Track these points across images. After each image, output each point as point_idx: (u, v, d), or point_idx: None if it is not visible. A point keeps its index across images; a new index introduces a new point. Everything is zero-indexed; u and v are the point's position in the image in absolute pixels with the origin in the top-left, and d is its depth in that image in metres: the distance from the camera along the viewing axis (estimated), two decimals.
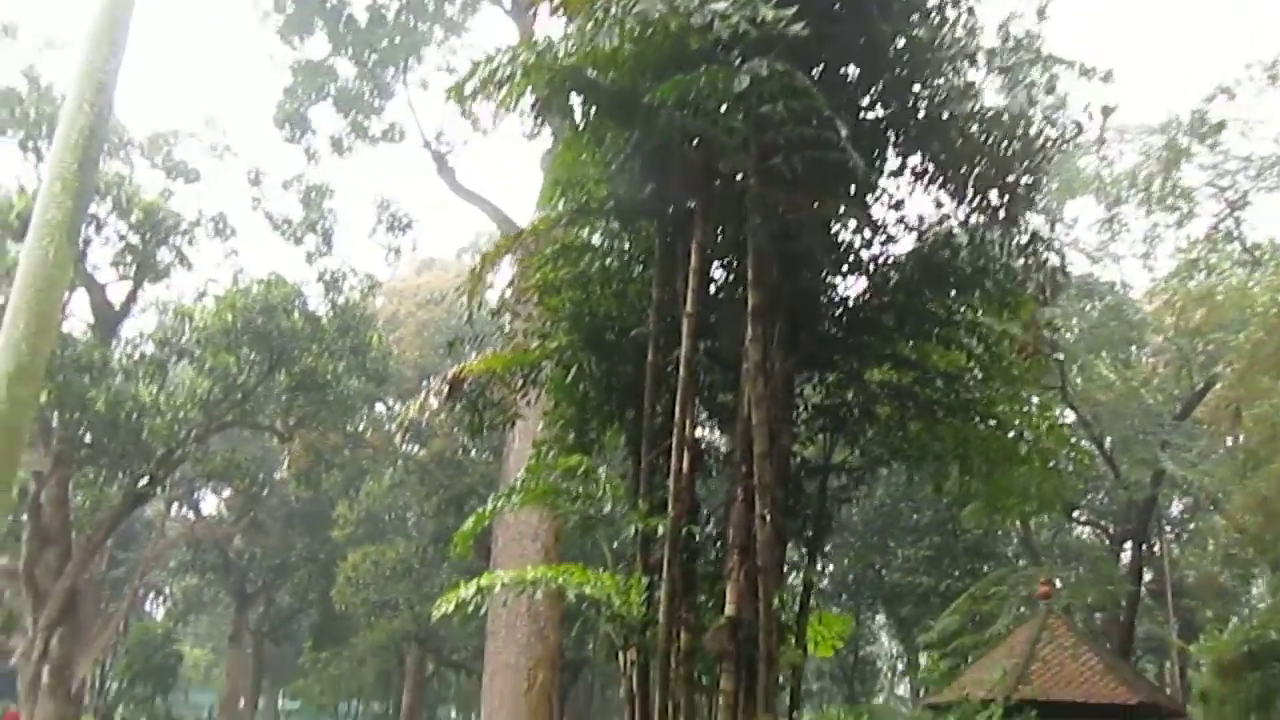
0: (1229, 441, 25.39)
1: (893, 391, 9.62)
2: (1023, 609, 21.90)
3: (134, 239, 23.14)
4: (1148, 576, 27.62)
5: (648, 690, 8.25)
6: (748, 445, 8.39)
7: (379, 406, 35.87)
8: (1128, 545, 29.65)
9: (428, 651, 38.70)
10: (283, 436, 27.66)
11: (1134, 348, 26.87)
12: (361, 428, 33.27)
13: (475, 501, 26.58)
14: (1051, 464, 9.33)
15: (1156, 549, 29.61)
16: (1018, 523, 28.78)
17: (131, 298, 24.97)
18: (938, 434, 9.49)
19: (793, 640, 8.52)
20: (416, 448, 32.80)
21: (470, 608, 8.82)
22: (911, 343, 9.57)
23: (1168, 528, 32.82)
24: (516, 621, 18.80)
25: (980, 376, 9.44)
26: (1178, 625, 28.86)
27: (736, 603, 7.95)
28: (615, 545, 9.21)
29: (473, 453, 30.63)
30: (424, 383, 23.79)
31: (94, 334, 23.71)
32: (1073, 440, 10.05)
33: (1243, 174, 23.49)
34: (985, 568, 28.05)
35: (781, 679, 8.36)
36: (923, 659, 37.66)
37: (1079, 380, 23.52)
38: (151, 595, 50.25)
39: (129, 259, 23.72)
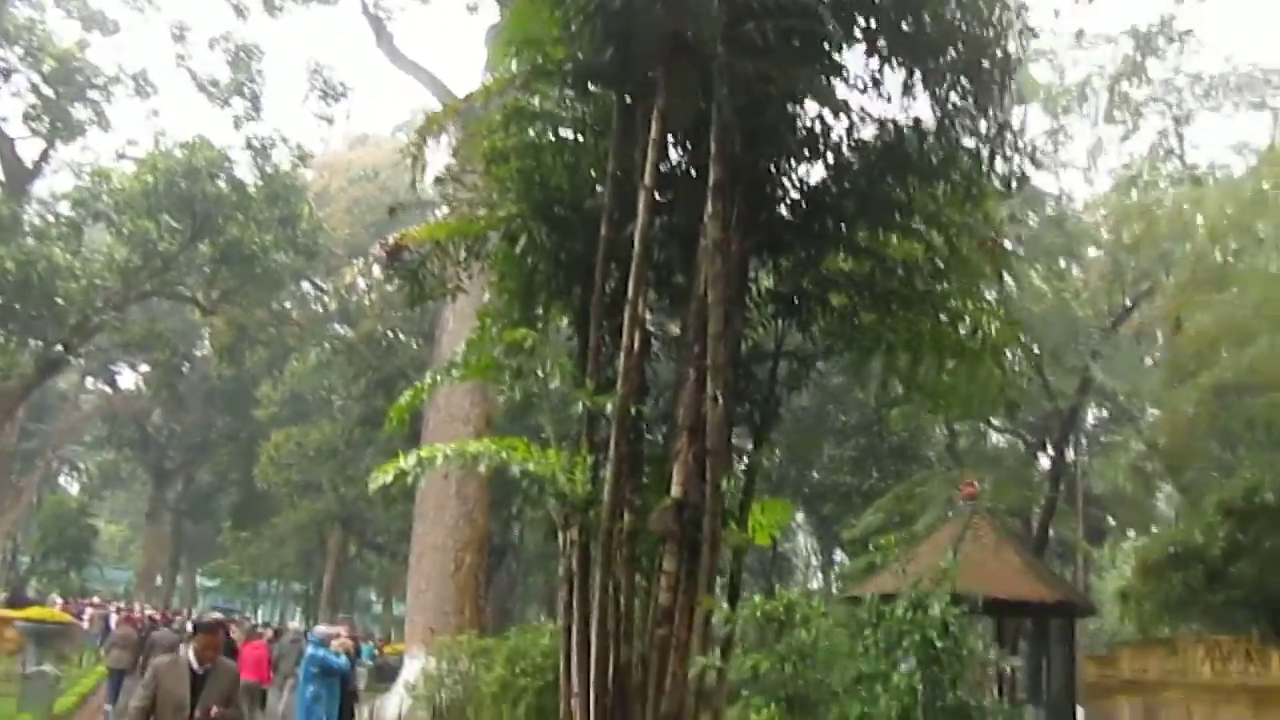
0: (1155, 356, 25.98)
1: (848, 280, 9.41)
2: (946, 510, 22.37)
3: (47, 91, 21.72)
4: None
5: (588, 570, 8.11)
6: (701, 326, 8.14)
7: (306, 285, 34.91)
8: (1041, 454, 30.47)
9: (350, 533, 38.56)
10: (205, 310, 26.71)
11: (1064, 261, 27.12)
12: (288, 305, 32.37)
13: (404, 384, 26.07)
14: (1002, 362, 9.25)
15: (1069, 458, 30.47)
16: (940, 428, 29.38)
17: (44, 156, 23.63)
18: (890, 325, 9.33)
19: (734, 525, 8.42)
20: (345, 328, 32.08)
21: (397, 489, 8.55)
22: (870, 231, 9.34)
23: (1081, 439, 33.77)
24: (445, 504, 18.65)
25: (937, 269, 9.26)
26: (1084, 532, 29.84)
27: (683, 484, 7.79)
28: (556, 426, 8.95)
29: (403, 335, 30.01)
30: (354, 261, 23.13)
31: (2, 191, 22.42)
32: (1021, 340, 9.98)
33: (1190, 90, 23.53)
34: (908, 470, 28.56)
35: (723, 564, 8.28)
36: (838, 556, 38.69)
37: (1014, 288, 23.68)
38: (65, 469, 49.16)
39: (41, 114, 22.32)
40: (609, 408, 7.85)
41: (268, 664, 15.75)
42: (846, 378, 26.57)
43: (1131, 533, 40.02)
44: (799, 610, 5.82)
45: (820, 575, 44.71)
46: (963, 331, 9.31)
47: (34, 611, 20.29)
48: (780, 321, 9.50)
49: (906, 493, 23.59)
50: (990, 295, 10.13)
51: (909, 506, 23.01)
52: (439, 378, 9.24)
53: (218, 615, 6.29)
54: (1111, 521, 36.77)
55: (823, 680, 5.81)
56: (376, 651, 24.02)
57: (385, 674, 21.83)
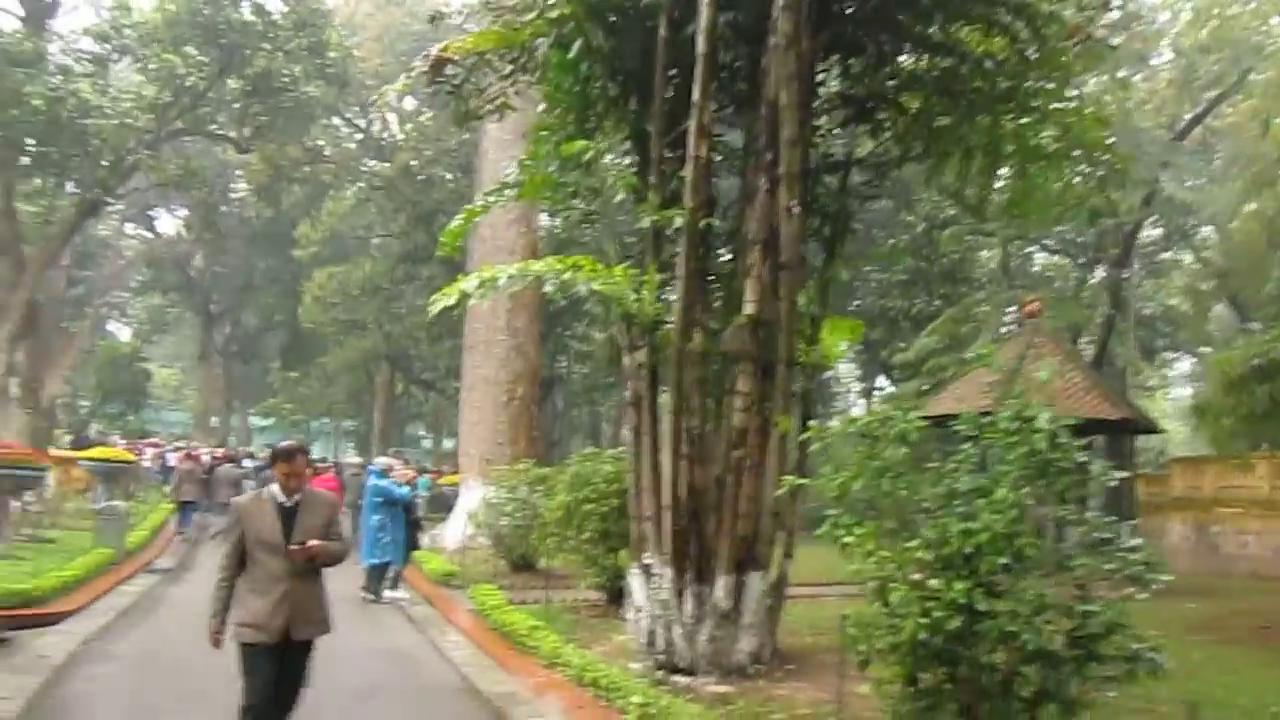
0: (1218, 168, 24.84)
1: (924, 80, 8.72)
2: (1003, 331, 21.92)
3: None
4: None
5: (656, 393, 7.86)
6: (771, 133, 7.60)
7: (339, 120, 34.09)
8: (1091, 274, 29.73)
9: (398, 371, 38.96)
10: (239, 147, 26.15)
11: (1128, 70, 25.66)
12: (322, 142, 31.68)
13: (443, 219, 25.68)
14: (1091, 163, 8.62)
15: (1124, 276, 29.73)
16: (992, 249, 28.62)
17: None
18: (969, 127, 8.70)
19: (807, 343, 8.08)
20: (381, 164, 31.43)
21: (444, 325, 8.20)
22: (949, 25, 8.58)
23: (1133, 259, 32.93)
24: (495, 338, 18.52)
25: (1021, 65, 8.54)
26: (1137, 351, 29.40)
27: (756, 301, 7.42)
28: (617, 246, 8.53)
29: (440, 170, 29.35)
30: (388, 88, 22.29)
31: (24, 26, 21.65)
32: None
33: None
34: (959, 293, 27.97)
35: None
36: (880, 382, 38.56)
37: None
38: (115, 315, 49.76)
39: None
40: (676, 222, 7.41)
41: (340, 494, 16.21)
42: (893, 200, 25.77)
43: (1177, 353, 39.56)
44: (896, 425, 5.50)
45: (862, 401, 44.76)
46: (1047, 133, 8.69)
47: (98, 452, 20.77)
48: (851, 127, 8.91)
49: (961, 315, 23.11)
50: (1081, 91, 9.38)
51: (964, 328, 22.58)
52: (492, 199, 8.79)
53: (295, 441, 5.53)
54: (1160, 342, 36.28)
55: (918, 497, 5.54)
56: (432, 483, 24.47)
57: (441, 504, 22.27)
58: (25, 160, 21.76)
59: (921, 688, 5.49)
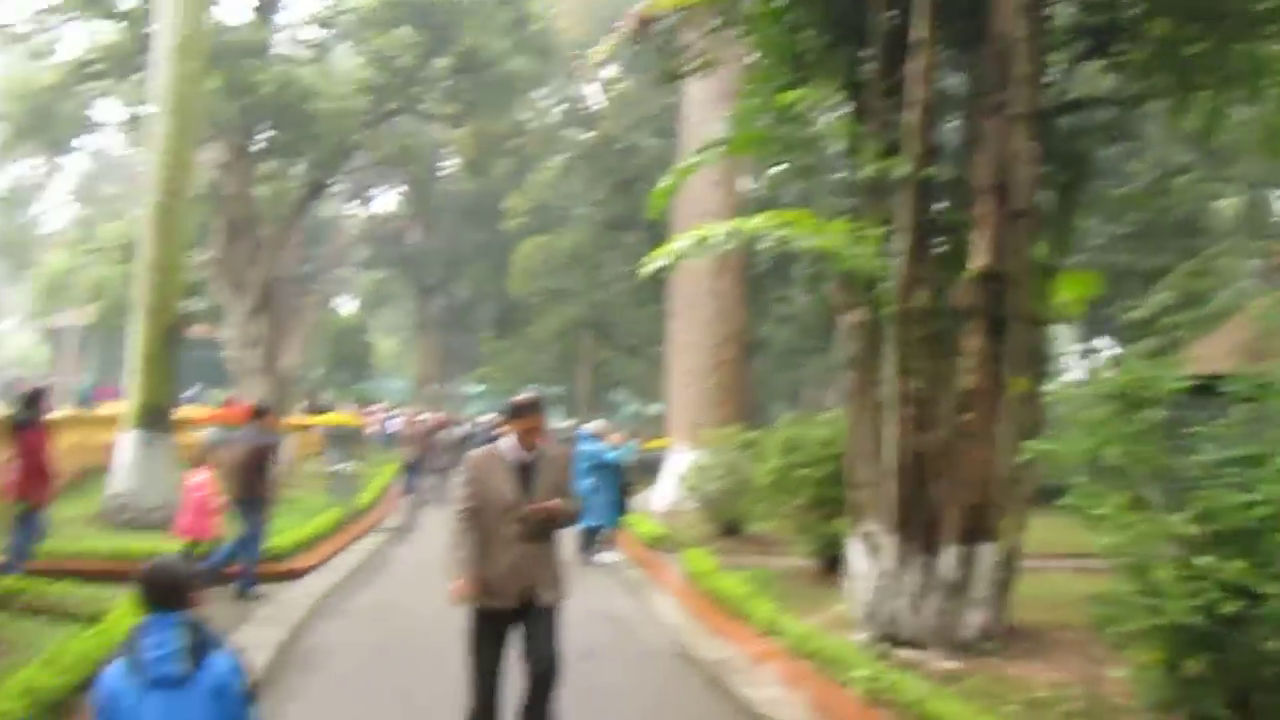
0: None
1: (1172, 4, 7.87)
2: (1249, 282, 20.02)
3: None
4: None
5: (877, 354, 7.48)
6: (1002, 71, 7.03)
7: (543, 92, 34.72)
8: None
9: (601, 337, 39.63)
10: (451, 123, 27.06)
11: None
12: (527, 115, 32.36)
13: (644, 185, 25.78)
14: None
15: None
16: (1231, 199, 26.20)
17: None
18: (1226, 54, 7.79)
19: (1043, 297, 7.49)
20: (583, 133, 31.85)
21: (648, 291, 8.03)
22: None
23: None
24: (699, 301, 18.41)
25: None
26: None
27: (988, 253, 6.92)
28: (832, 200, 8.17)
29: (640, 137, 29.45)
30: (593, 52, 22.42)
31: (256, 17, 23.05)
32: None
33: None
34: (1195, 246, 25.75)
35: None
36: (1100, 342, 36.14)
37: None
38: (340, 291, 52.85)
39: None
40: (898, 172, 6.99)
41: None
42: (1120, 145, 23.89)
43: None
44: (1156, 386, 4.96)
45: (1082, 363, 42.25)
46: None
47: (330, 417, 22.12)
48: (1086, 64, 8.17)
49: (1199, 268, 21.22)
50: None
51: (1203, 283, 20.73)
52: (701, 157, 8.59)
53: (533, 394, 5.21)
54: None
55: (1180, 466, 5.00)
56: (638, 447, 24.77)
57: (646, 468, 22.50)
58: (259, 146, 23.25)
59: (1184, 675, 4.97)
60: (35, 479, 8.71)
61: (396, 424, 28.93)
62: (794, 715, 6.06)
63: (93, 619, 6.96)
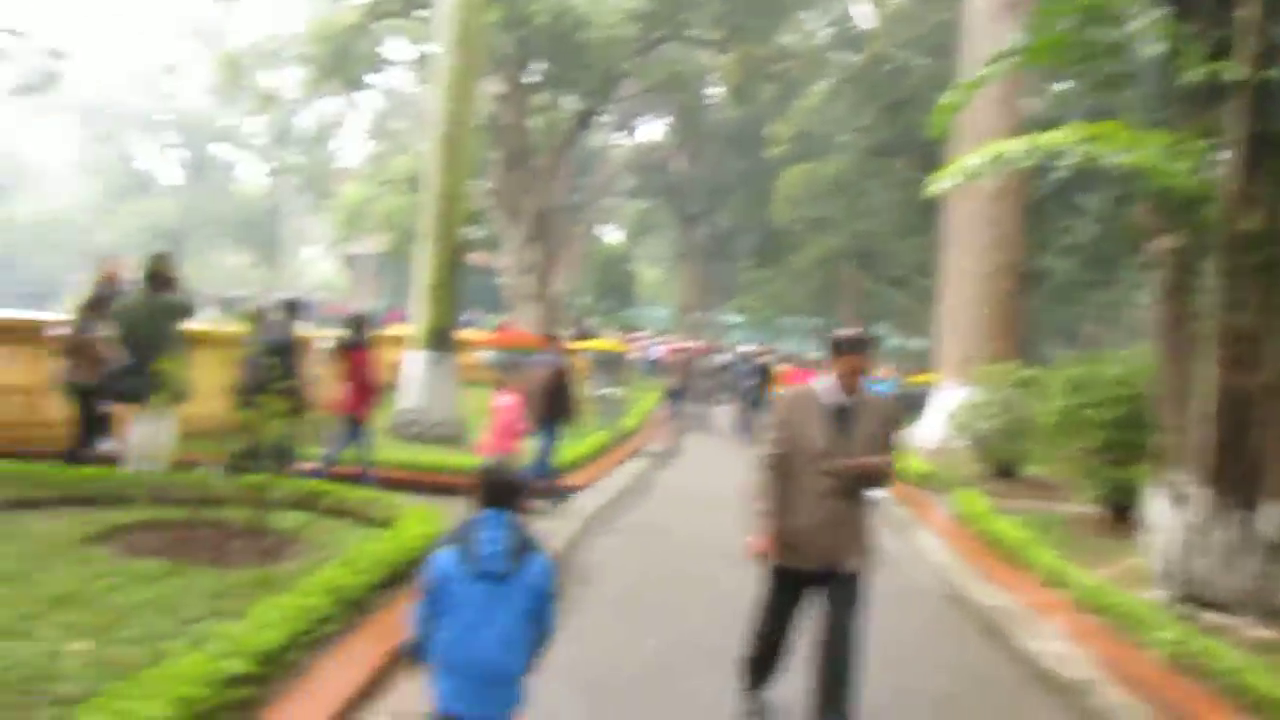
0: None
1: None
2: None
3: None
4: None
5: (1194, 283, 6.68)
6: None
7: (810, 14, 33.70)
8: None
9: (864, 268, 38.53)
10: (717, 48, 26.76)
11: None
12: (793, 38, 31.53)
13: (915, 108, 24.53)
14: None
15: None
16: None
17: None
18: None
19: None
20: (851, 56, 30.66)
21: (917, 218, 7.49)
22: None
23: None
24: (975, 229, 17.36)
25: None
26: None
27: None
28: (1146, 111, 7.29)
29: (912, 56, 27.97)
30: None
31: None
32: None
33: None
34: None
35: None
36: None
37: None
38: (607, 219, 54.22)
39: None
40: (1230, 75, 6.12)
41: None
42: None
43: None
44: None
45: None
46: None
47: (596, 343, 22.79)
48: None
49: None
50: None
51: None
52: (992, 70, 7.90)
53: (857, 330, 4.47)
54: None
55: None
56: (901, 382, 23.99)
57: (910, 404, 21.78)
58: (533, 78, 23.97)
59: None
60: (361, 395, 9.54)
61: (659, 351, 29.48)
62: (1084, 674, 5.60)
63: (385, 524, 7.45)
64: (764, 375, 19.66)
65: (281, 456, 8.13)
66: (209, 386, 9.62)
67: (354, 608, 5.54)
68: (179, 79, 59.74)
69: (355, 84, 30.07)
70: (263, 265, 60.05)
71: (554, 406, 10.26)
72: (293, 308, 9.65)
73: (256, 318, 9.49)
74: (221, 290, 41.70)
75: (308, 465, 9.07)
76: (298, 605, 5.08)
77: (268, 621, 4.78)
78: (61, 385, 8.70)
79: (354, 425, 9.54)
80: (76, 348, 8.63)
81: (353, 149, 53.93)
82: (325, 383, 10.02)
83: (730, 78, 28.99)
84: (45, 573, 5.55)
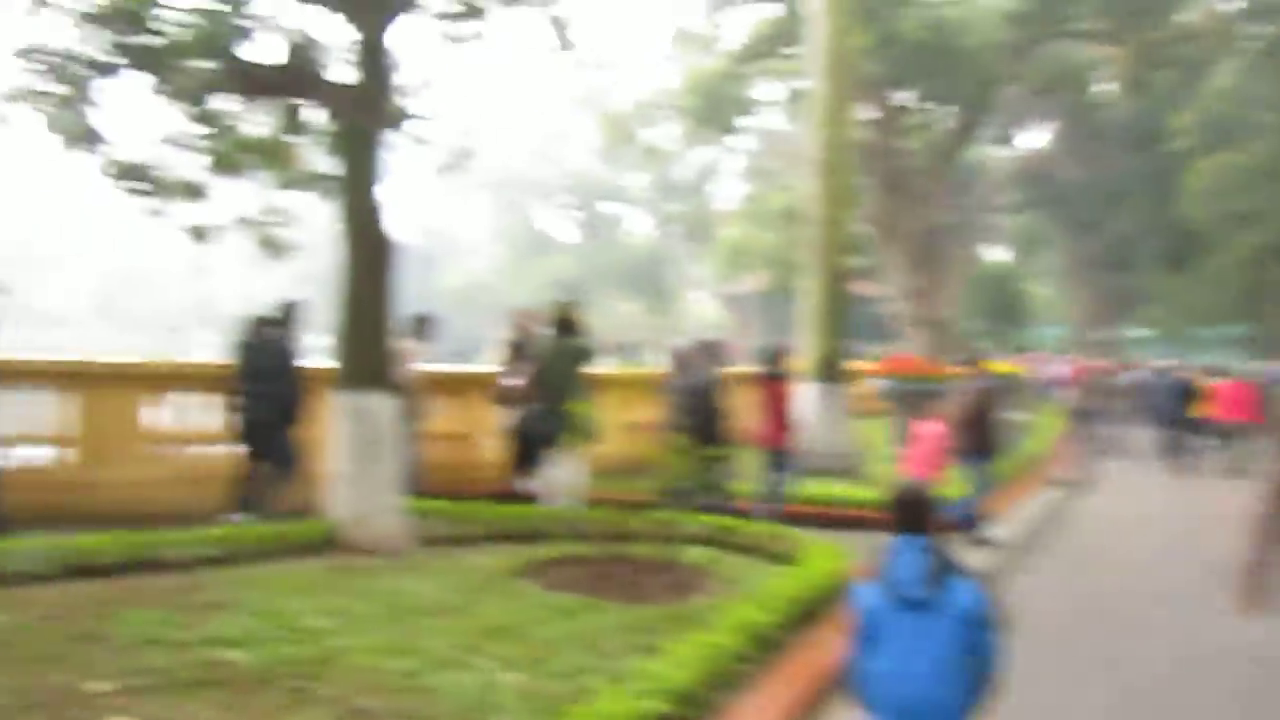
0: None
1: None
2: None
3: None
4: None
5: None
6: None
7: None
8: None
9: None
10: (1106, 38, 24.60)
11: None
12: (1195, 17, 28.33)
13: None
14: None
15: None
16: None
17: None
18: None
19: None
20: (1266, 25, 27.01)
21: None
22: None
23: None
24: None
25: None
26: None
27: None
28: None
29: None
30: None
31: None
32: None
33: None
34: None
35: None
36: None
37: None
38: (988, 236, 51.69)
39: None
40: None
41: (1259, 411, 15.50)
42: None
43: None
44: None
45: None
46: None
47: (994, 365, 21.52)
48: None
49: None
50: None
51: None
52: None
53: None
54: None
55: None
56: None
57: None
58: (906, 98, 23.34)
59: None
60: (779, 426, 9.60)
61: (1058, 371, 27.43)
62: None
63: (790, 559, 7.30)
64: (1187, 393, 17.50)
65: (709, 493, 8.34)
66: (614, 426, 10.08)
67: (766, 646, 5.41)
68: (569, 145, 65.02)
69: (728, 129, 30.93)
70: (652, 311, 63.44)
71: (979, 437, 9.57)
72: (711, 349, 9.90)
73: (677, 360, 9.80)
74: (617, 336, 44.48)
75: (738, 502, 9.14)
76: (711, 643, 5.03)
77: (683, 660, 4.75)
78: (503, 429, 9.53)
79: (778, 457, 9.56)
80: (507, 394, 9.43)
81: (730, 192, 55.66)
82: (743, 417, 10.10)
83: (1123, 69, 26.51)
84: (479, 605, 5.94)
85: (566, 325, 9.07)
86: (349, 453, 7.56)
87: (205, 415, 9.67)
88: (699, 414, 8.64)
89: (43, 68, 8.54)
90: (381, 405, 7.66)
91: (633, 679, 4.47)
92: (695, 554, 7.26)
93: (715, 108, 27.28)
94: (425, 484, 9.05)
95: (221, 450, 9.74)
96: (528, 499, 8.88)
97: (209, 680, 4.40)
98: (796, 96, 24.81)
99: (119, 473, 8.93)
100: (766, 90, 30.94)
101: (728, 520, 8.22)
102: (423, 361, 9.73)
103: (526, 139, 67.72)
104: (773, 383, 9.68)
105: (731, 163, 52.87)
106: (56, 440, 8.89)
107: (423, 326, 9.87)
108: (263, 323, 8.80)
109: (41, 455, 8.72)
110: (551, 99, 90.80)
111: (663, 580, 6.63)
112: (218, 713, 4.09)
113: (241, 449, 8.54)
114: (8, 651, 4.66)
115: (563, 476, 8.62)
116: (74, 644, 4.82)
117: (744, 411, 9.94)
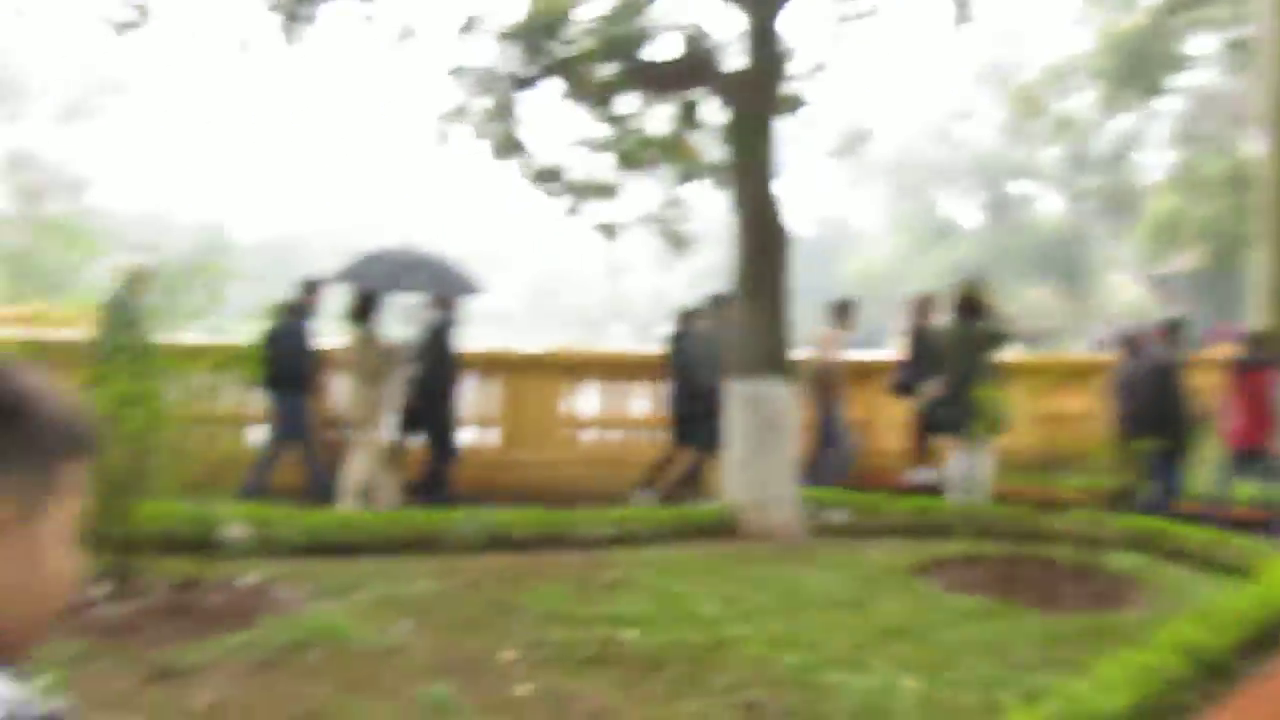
0: None
1: None
2: None
3: None
4: None
5: None
6: None
7: None
8: None
9: None
10: None
11: None
12: None
13: None
14: None
15: None
16: None
17: None
18: None
19: None
20: None
21: None
22: None
23: None
24: None
25: None
26: None
27: None
28: None
29: None
30: None
31: None
32: None
33: None
34: None
35: None
36: None
37: None
38: None
39: None
40: None
41: None
42: None
43: None
44: None
45: None
46: None
47: None
48: None
49: None
50: None
51: None
52: None
53: None
54: None
55: None
56: None
57: None
58: None
59: None
60: (1259, 422, 8.42)
61: None
62: None
63: (1239, 571, 6.27)
64: None
65: (1158, 492, 7.53)
66: (1028, 416, 9.32)
67: (1213, 673, 4.62)
68: (972, 124, 61.96)
69: (1154, 90, 27.84)
70: (1065, 295, 58.90)
71: None
72: (1175, 329, 8.87)
73: (1127, 344, 8.90)
74: (1032, 321, 41.70)
75: (1187, 505, 8.16)
76: (1144, 664, 4.37)
77: (1110, 681, 4.16)
78: (904, 419, 9.20)
79: (1251, 457, 8.41)
80: (904, 384, 9.06)
81: (1155, 161, 50.08)
82: (1215, 410, 8.94)
83: None
84: (875, 602, 5.65)
85: (970, 308, 8.47)
86: (745, 439, 7.56)
87: (617, 401, 10.21)
88: (1151, 403, 7.75)
89: (471, 85, 9.42)
90: (777, 392, 7.58)
91: (1048, 697, 3.98)
92: (1123, 560, 6.45)
93: (1137, 68, 24.61)
94: (857, 476, 8.98)
95: (631, 435, 10.27)
96: (928, 492, 8.42)
97: (604, 658, 4.50)
98: (1238, 46, 21.70)
99: (537, 454, 9.64)
100: (1199, 44, 27.45)
101: (1167, 524, 7.25)
102: (843, 349, 9.56)
103: (925, 121, 65.49)
104: (1254, 371, 8.46)
105: (1157, 129, 47.58)
106: (483, 422, 9.77)
107: (844, 313, 9.69)
108: (692, 315, 9.10)
109: (471, 436, 9.59)
110: (952, 76, 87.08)
111: (1083, 587, 5.94)
112: (610, 691, 4.16)
113: (670, 434, 8.93)
114: (435, 616, 5.08)
115: (967, 469, 8.06)
116: (490, 612, 5.17)
117: (1211, 402, 8.76)
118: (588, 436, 10.37)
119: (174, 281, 6.43)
